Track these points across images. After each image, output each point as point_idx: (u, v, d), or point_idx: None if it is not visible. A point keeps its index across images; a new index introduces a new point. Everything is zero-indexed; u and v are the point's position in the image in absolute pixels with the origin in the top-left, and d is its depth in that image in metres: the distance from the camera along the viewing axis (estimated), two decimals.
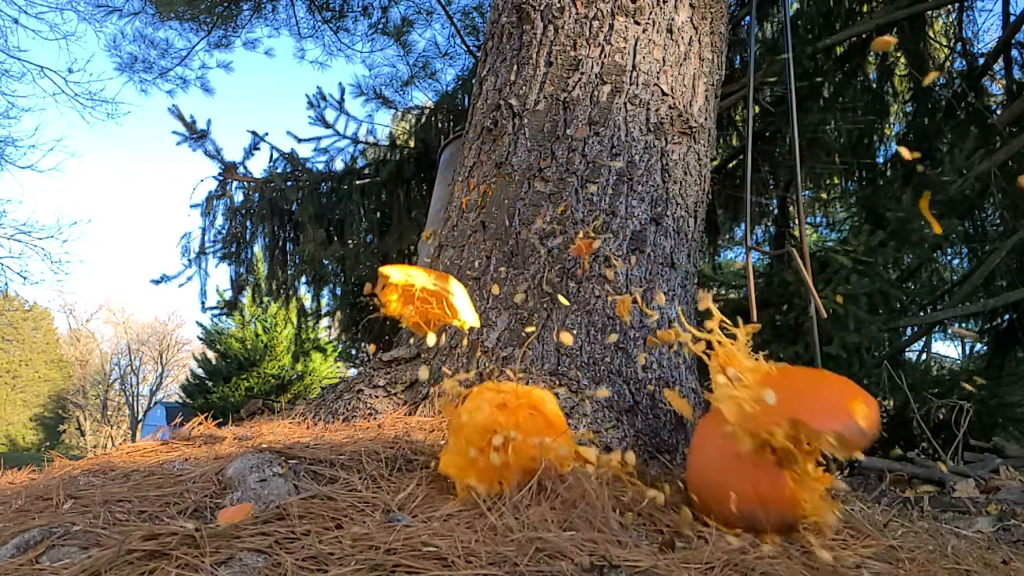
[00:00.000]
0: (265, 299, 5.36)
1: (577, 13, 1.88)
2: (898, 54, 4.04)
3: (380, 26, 5.99)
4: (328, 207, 4.78)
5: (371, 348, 2.07)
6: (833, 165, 3.90)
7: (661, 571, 0.74)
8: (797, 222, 2.77)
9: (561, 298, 1.56)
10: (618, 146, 1.76)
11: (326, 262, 4.79)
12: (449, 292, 1.13)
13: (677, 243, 1.78)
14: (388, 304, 1.11)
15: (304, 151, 5.00)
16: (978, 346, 4.26)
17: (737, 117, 4.52)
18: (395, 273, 1.09)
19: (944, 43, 4.31)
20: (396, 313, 1.12)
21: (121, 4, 5.82)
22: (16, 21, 8.99)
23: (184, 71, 6.26)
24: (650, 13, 1.88)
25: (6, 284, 13.04)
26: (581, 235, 1.63)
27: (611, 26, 1.86)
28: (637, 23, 1.87)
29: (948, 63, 4.16)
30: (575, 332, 1.56)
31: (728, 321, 1.10)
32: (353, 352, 5.47)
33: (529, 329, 1.56)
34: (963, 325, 3.74)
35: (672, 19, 1.91)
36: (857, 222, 3.90)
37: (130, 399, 28.82)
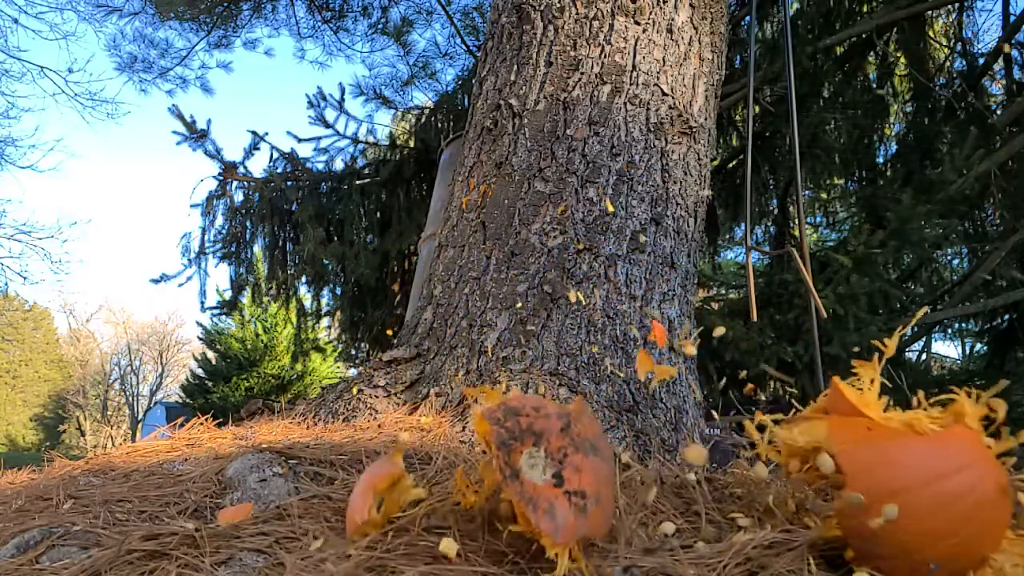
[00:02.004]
0: (265, 299, 5.35)
1: (577, 13, 1.88)
2: (898, 54, 4.04)
3: (380, 26, 5.99)
4: (328, 207, 4.78)
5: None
6: (833, 165, 3.90)
7: (668, 568, 0.74)
8: (797, 222, 2.77)
9: (572, 295, 1.56)
10: (618, 146, 1.76)
11: (326, 262, 4.79)
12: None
13: (677, 243, 1.78)
14: (377, 520, 0.82)
15: (304, 151, 5.00)
16: (978, 346, 4.26)
17: (737, 117, 4.52)
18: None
19: (944, 43, 4.31)
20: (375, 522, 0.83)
21: (121, 4, 5.82)
22: (16, 21, 8.98)
23: (184, 71, 6.28)
24: (650, 13, 1.88)
25: (6, 284, 13.05)
26: (657, 322, 1.60)
27: (611, 26, 1.86)
28: (637, 23, 1.87)
29: (948, 63, 4.16)
30: (575, 332, 1.56)
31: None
32: (353, 352, 5.47)
33: (529, 329, 1.56)
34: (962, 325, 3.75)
35: (672, 19, 1.91)
36: (857, 222, 3.90)
37: (130, 399, 28.81)
